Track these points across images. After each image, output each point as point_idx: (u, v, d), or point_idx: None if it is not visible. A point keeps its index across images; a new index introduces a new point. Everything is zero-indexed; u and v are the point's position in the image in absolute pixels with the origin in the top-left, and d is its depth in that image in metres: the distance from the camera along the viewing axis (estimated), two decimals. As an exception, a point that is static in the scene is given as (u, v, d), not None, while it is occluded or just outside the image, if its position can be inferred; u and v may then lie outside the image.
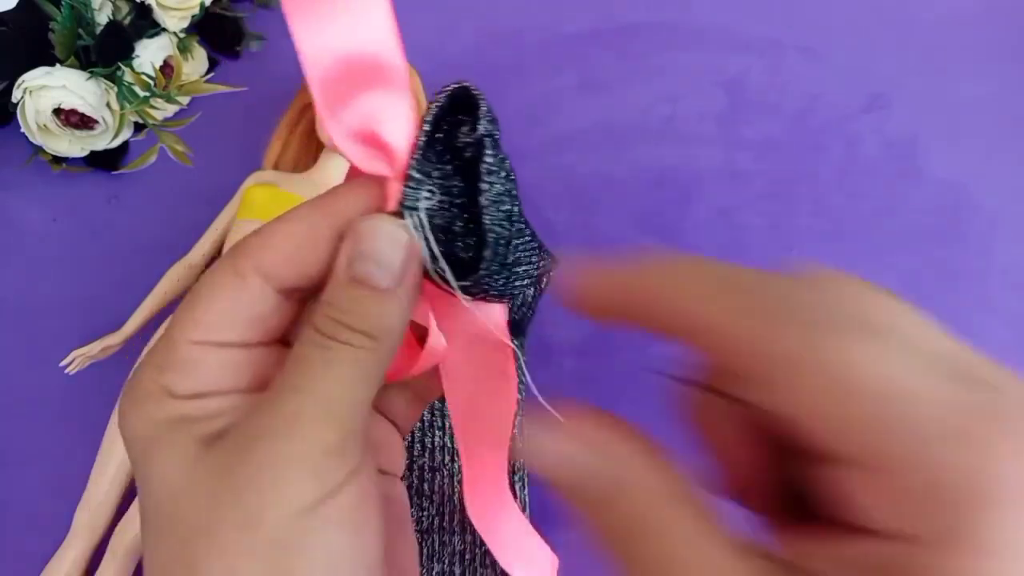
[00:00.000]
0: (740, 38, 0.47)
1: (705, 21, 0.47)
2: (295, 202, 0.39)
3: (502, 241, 0.21)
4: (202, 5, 0.43)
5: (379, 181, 0.21)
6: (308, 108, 0.43)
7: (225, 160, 0.43)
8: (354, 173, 0.23)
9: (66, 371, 0.38)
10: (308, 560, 0.19)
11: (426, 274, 0.22)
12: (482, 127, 0.21)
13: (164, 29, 0.43)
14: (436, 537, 0.35)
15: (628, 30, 0.47)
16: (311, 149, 0.43)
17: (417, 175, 0.21)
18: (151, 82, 0.41)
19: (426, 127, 0.21)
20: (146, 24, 0.43)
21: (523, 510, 0.34)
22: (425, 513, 0.35)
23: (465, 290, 0.22)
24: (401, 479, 0.28)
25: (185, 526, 0.19)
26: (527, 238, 0.24)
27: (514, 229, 0.22)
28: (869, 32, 0.47)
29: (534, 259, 0.25)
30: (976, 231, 0.42)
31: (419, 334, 0.24)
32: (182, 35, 0.44)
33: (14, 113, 0.41)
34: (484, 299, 0.23)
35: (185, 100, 0.45)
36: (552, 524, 0.35)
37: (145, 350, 0.36)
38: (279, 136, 0.43)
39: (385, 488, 0.26)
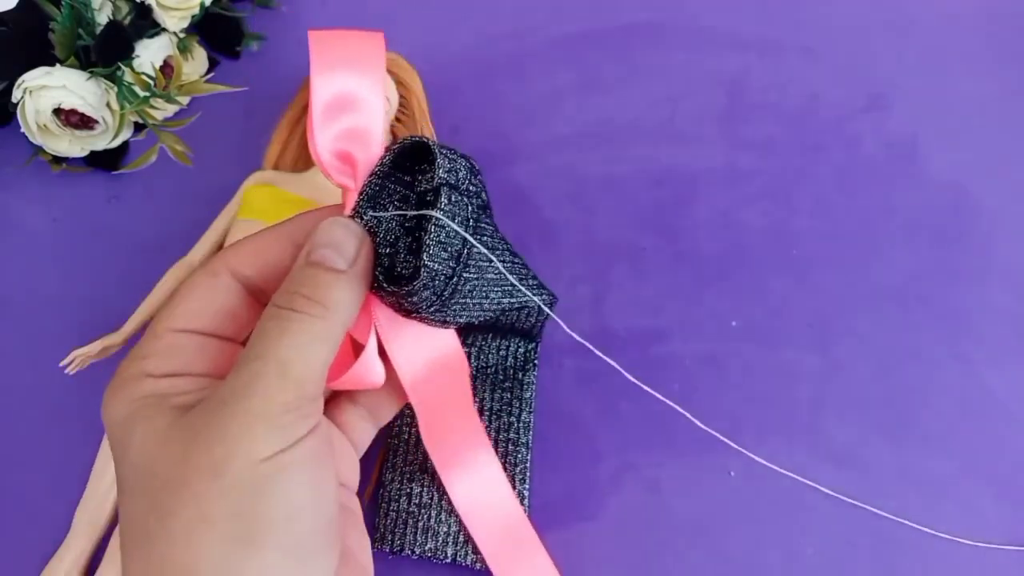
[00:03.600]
0: (740, 38, 0.47)
1: (705, 21, 0.47)
2: (295, 202, 0.39)
3: (439, 277, 0.25)
4: (202, 5, 0.43)
5: (336, 208, 0.27)
6: (308, 109, 0.43)
7: (225, 160, 0.43)
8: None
9: (66, 371, 0.38)
10: (272, 503, 0.21)
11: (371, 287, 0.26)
12: (439, 176, 0.26)
13: (164, 29, 0.43)
14: (432, 513, 0.35)
15: (628, 30, 0.47)
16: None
17: (371, 191, 0.26)
18: (151, 82, 0.41)
19: (386, 157, 0.26)
20: (146, 24, 0.43)
21: (521, 502, 0.35)
22: (426, 490, 0.35)
23: (399, 305, 0.26)
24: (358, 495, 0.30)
25: (159, 481, 0.21)
26: (486, 279, 0.28)
27: (459, 268, 0.26)
28: (869, 32, 0.47)
29: (492, 296, 0.29)
30: (976, 231, 0.42)
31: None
32: (182, 35, 0.44)
33: (14, 113, 0.41)
34: (421, 319, 0.27)
35: (185, 100, 0.45)
36: (552, 521, 0.35)
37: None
38: (279, 136, 0.43)
39: (345, 497, 0.29)
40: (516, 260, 0.30)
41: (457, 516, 0.34)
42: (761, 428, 0.37)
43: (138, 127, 0.44)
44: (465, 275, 0.26)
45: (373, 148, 0.27)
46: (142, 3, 0.42)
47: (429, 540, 0.34)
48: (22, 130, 0.41)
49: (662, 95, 0.45)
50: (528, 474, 0.35)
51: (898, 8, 0.48)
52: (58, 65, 0.41)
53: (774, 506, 0.36)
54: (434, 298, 0.26)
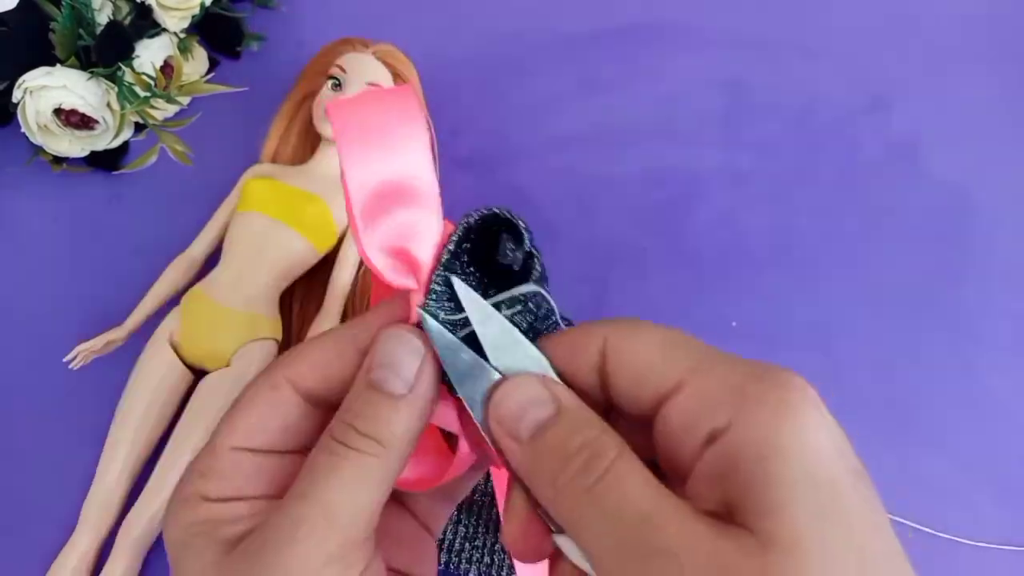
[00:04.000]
0: (740, 38, 0.47)
1: (705, 21, 0.47)
2: (294, 194, 0.39)
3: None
4: (202, 5, 0.43)
5: (405, 299, 0.23)
6: (305, 100, 0.43)
7: (225, 160, 0.43)
8: (377, 283, 0.24)
9: (69, 366, 0.38)
10: None
11: (449, 388, 0.22)
12: (526, 242, 0.22)
13: (164, 29, 0.43)
14: (469, 544, 0.34)
15: (628, 30, 0.47)
16: (309, 142, 0.43)
17: (438, 288, 0.22)
18: (151, 82, 0.41)
19: (450, 246, 0.22)
20: (146, 24, 0.43)
21: None
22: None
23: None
24: None
25: None
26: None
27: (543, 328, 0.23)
28: (870, 33, 0.47)
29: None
30: (977, 232, 0.42)
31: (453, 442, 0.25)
32: (182, 35, 0.44)
33: (15, 113, 0.41)
34: None
35: (185, 100, 0.45)
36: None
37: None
38: (277, 129, 0.43)
39: None
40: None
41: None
42: (761, 428, 0.37)
43: (138, 127, 0.44)
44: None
45: (433, 237, 0.22)
46: (142, 3, 0.42)
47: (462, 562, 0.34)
48: (22, 130, 0.41)
49: (662, 95, 0.45)
50: None
51: (899, 9, 0.48)
52: (58, 65, 0.41)
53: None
54: None
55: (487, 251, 0.23)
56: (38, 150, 0.43)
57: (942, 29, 0.47)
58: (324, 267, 0.40)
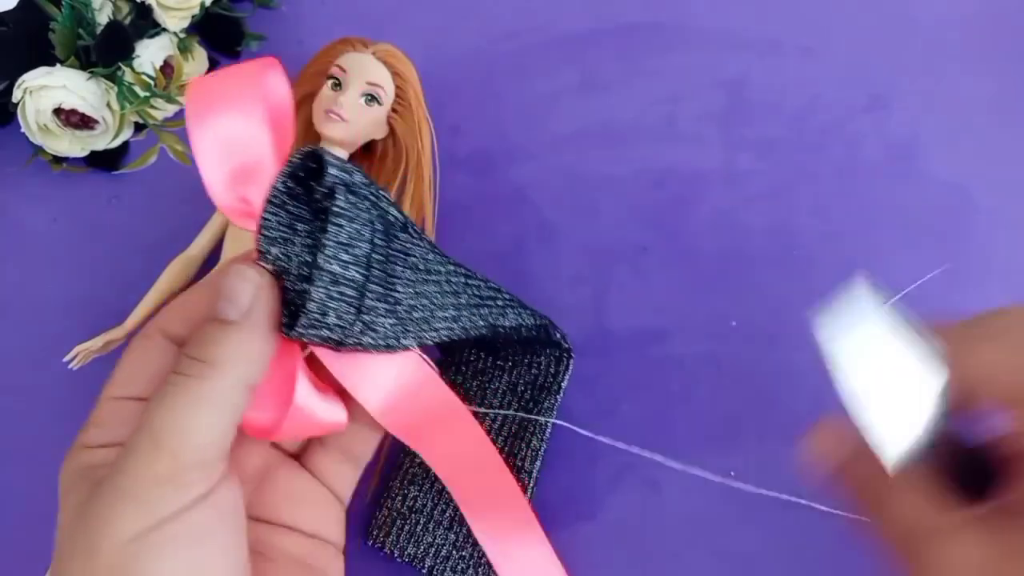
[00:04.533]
0: (740, 38, 0.47)
1: (705, 21, 0.47)
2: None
3: (346, 284, 0.23)
4: (202, 5, 0.43)
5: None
6: (305, 101, 0.43)
7: (225, 160, 0.43)
8: None
9: (69, 366, 0.38)
10: None
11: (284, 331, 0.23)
12: (330, 178, 0.23)
13: (164, 29, 0.43)
14: (421, 520, 0.34)
15: (628, 30, 0.47)
16: (309, 141, 0.43)
17: (269, 226, 0.24)
18: (151, 82, 0.41)
19: (278, 182, 0.24)
20: (146, 24, 0.43)
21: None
22: (422, 495, 0.35)
23: (316, 333, 0.23)
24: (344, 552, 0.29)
25: (58, 558, 0.22)
26: (427, 293, 0.25)
27: (373, 274, 0.23)
28: (869, 32, 0.47)
29: (445, 313, 0.26)
30: (976, 232, 0.42)
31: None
32: (182, 35, 0.44)
33: (14, 113, 0.41)
34: (357, 349, 0.24)
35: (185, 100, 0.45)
36: (552, 521, 0.35)
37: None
38: (277, 131, 0.43)
39: (317, 556, 0.28)
40: (473, 282, 0.28)
41: (444, 530, 0.34)
42: (761, 428, 0.37)
43: (138, 127, 0.44)
44: (393, 291, 0.24)
45: (266, 185, 0.25)
46: (142, 3, 0.42)
47: (410, 546, 0.34)
48: (22, 130, 0.41)
49: (662, 95, 0.45)
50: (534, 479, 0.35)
51: (898, 8, 0.48)
52: (58, 65, 0.41)
53: (774, 506, 0.36)
54: (352, 313, 0.23)
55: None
56: (38, 150, 0.43)
57: (942, 29, 0.47)
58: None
